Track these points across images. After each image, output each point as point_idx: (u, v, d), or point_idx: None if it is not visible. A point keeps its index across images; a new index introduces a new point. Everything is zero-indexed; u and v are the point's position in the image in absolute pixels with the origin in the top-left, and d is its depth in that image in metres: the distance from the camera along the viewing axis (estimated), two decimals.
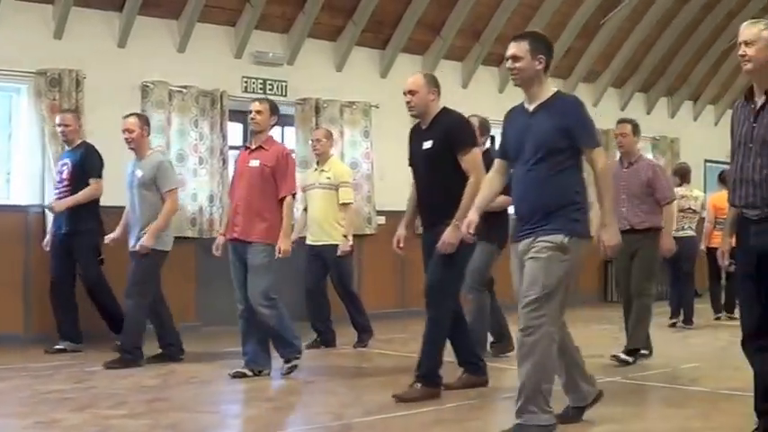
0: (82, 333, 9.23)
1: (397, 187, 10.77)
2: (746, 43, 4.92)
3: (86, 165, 9.09)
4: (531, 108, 5.50)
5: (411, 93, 6.68)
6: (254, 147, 7.67)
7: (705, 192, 15.73)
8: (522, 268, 5.40)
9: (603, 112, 15.39)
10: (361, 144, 12.48)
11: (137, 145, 8.37)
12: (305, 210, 9.72)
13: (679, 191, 11.17)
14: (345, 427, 5.80)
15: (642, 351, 8.28)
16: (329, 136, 9.82)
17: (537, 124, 5.42)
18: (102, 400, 6.63)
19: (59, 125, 9.26)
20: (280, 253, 7.40)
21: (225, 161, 11.24)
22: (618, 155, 8.73)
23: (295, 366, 7.54)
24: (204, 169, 11.13)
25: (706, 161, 17.10)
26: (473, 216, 5.67)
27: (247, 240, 7.45)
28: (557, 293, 5.27)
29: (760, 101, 4.96)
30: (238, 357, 7.67)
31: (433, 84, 6.73)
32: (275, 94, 11.83)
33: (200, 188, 11.14)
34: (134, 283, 8.23)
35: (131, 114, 8.53)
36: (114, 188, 9.15)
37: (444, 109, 6.77)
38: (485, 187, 5.82)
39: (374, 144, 12.42)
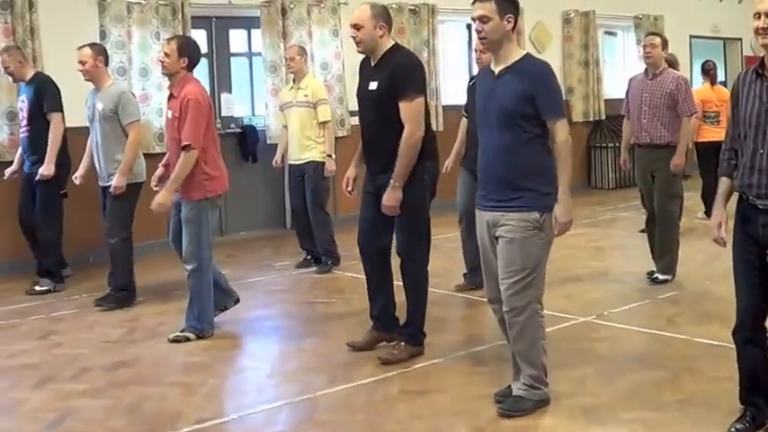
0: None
1: None
2: None
3: (43, 99, 8.70)
4: (497, 71, 5.17)
5: (356, 27, 6.13)
6: (168, 93, 7.18)
7: (692, 70, 15.44)
8: (491, 240, 5.25)
9: None
10: (331, 44, 12.11)
11: (92, 76, 8.05)
12: (285, 127, 9.62)
13: None
14: (310, 404, 5.66)
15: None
16: (302, 53, 9.61)
17: (502, 89, 5.10)
18: (64, 366, 6.50)
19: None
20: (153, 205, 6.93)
21: None
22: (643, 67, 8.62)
23: (186, 338, 7.02)
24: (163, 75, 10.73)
25: (691, 37, 16.67)
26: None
27: (182, 197, 7.03)
28: (537, 271, 5.17)
29: None
30: None
31: (382, 17, 6.15)
32: None
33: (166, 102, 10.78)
34: (113, 222, 8.10)
35: (85, 45, 8.15)
36: (77, 110, 8.70)
37: (395, 45, 6.28)
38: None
39: (344, 43, 11.85)
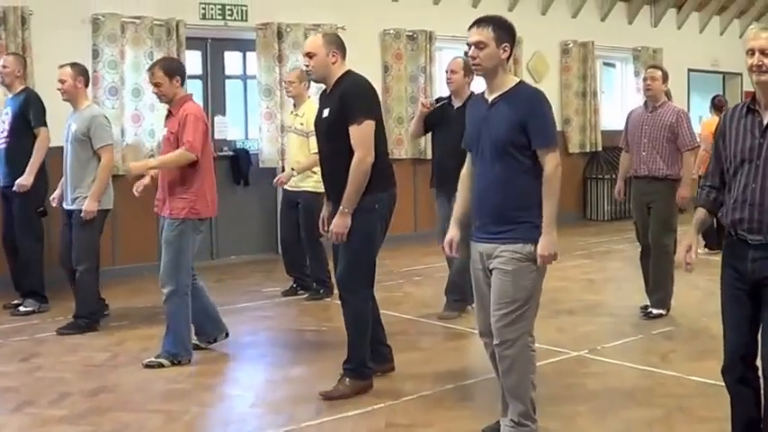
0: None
1: None
2: (764, 52, 4.30)
3: (29, 113, 8.58)
4: (490, 99, 5.06)
5: (309, 55, 6.03)
6: (167, 112, 7.09)
7: (689, 103, 15.41)
8: (484, 272, 5.10)
9: (584, 23, 15.00)
10: None
11: (71, 96, 7.95)
12: None
13: None
14: None
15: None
16: (302, 77, 9.14)
17: (495, 117, 4.98)
18: (44, 390, 6.37)
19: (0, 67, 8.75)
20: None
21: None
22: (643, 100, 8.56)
23: (160, 365, 6.91)
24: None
25: (690, 70, 16.62)
26: (453, 232, 5.30)
27: (165, 216, 6.91)
28: (529, 304, 5.02)
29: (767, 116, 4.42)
30: None
31: (335, 44, 6.06)
32: (235, 20, 11.40)
33: (158, 123, 10.65)
34: (80, 251, 7.91)
35: (66, 64, 8.04)
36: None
37: (347, 72, 6.10)
38: (461, 191, 5.34)
39: None
